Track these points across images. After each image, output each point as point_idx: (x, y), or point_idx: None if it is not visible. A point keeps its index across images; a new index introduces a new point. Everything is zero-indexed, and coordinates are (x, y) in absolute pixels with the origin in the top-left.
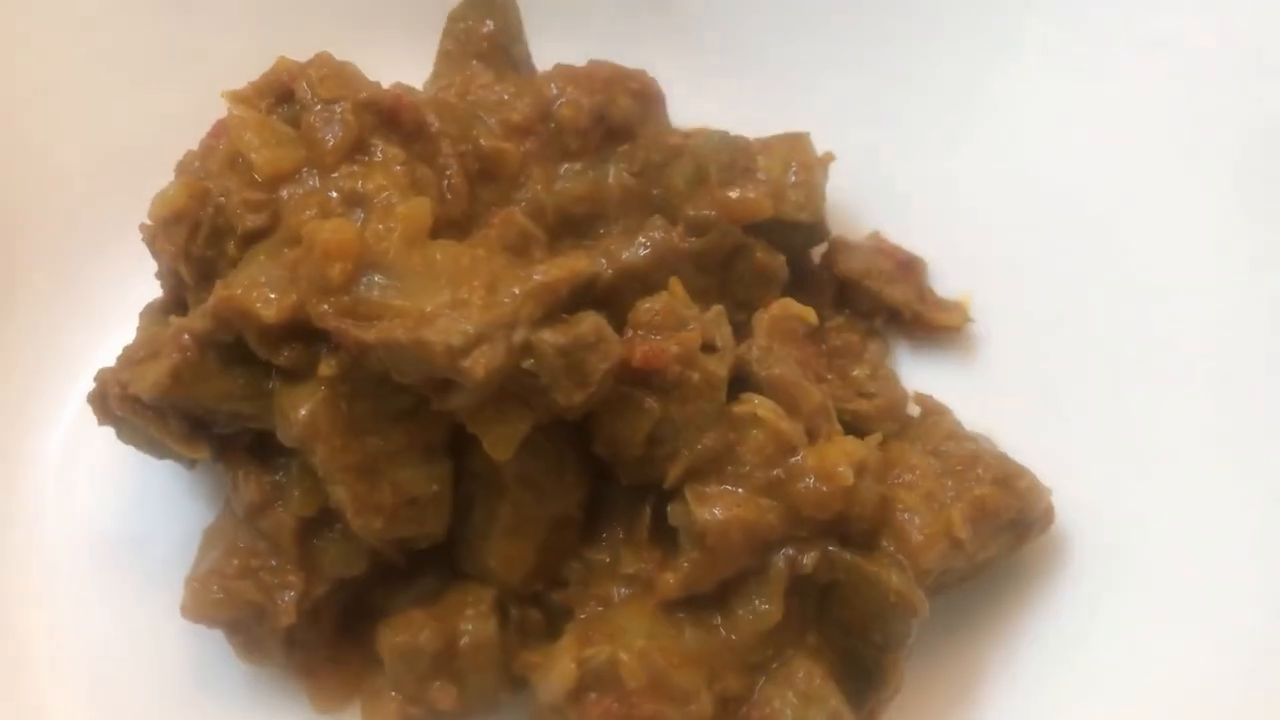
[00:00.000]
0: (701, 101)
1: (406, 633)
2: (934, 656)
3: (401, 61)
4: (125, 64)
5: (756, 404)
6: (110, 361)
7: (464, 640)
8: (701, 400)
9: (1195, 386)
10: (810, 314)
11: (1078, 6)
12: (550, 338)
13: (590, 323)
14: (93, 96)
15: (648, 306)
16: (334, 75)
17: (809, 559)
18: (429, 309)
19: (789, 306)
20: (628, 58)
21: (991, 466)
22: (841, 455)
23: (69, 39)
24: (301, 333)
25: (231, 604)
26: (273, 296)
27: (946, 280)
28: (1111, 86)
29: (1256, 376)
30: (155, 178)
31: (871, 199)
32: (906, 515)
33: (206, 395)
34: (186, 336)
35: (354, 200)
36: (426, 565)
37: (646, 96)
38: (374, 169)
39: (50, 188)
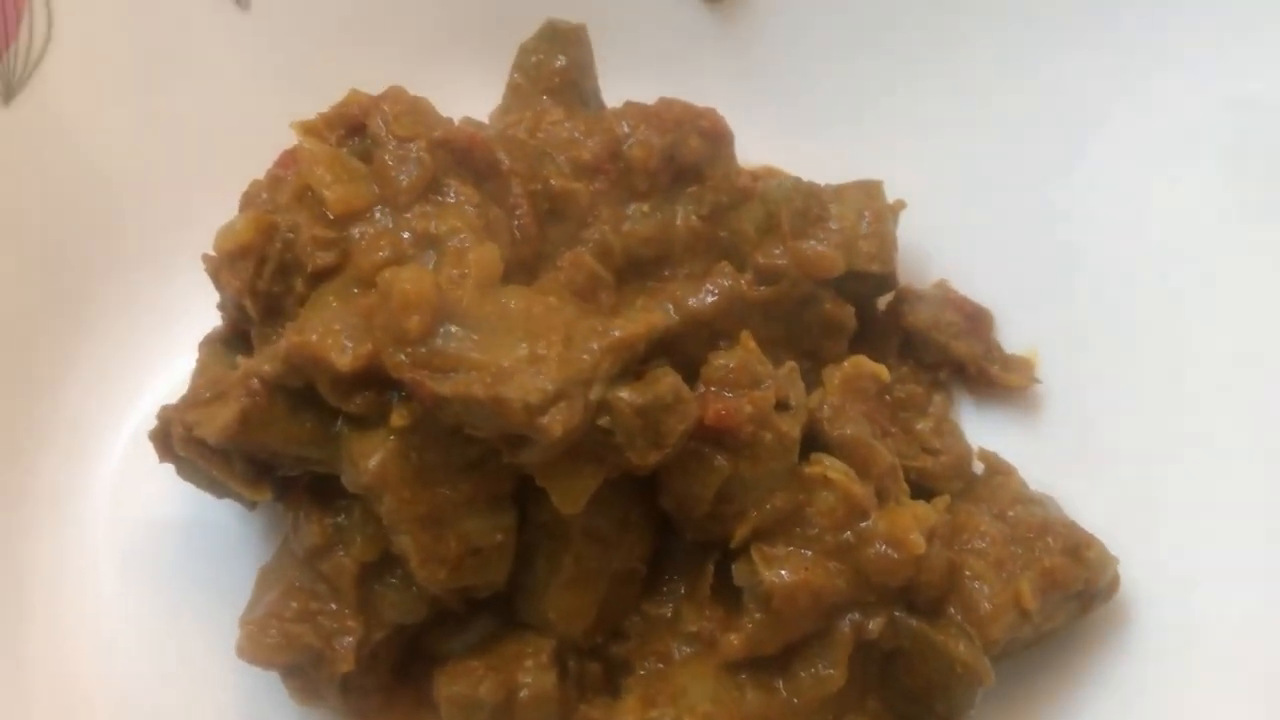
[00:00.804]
0: (769, 142)
1: (465, 683)
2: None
3: (468, 91)
4: (186, 88)
5: (827, 465)
6: (168, 389)
7: (523, 692)
8: (773, 460)
9: (1264, 457)
10: (883, 372)
11: (1155, 64)
12: (628, 397)
13: (668, 383)
14: (154, 121)
15: (721, 363)
16: (409, 111)
17: (875, 625)
18: (506, 364)
19: (862, 365)
20: (695, 94)
21: (1061, 535)
22: (913, 521)
23: (128, 60)
24: (373, 381)
25: (289, 648)
26: (348, 345)
27: (1013, 332)
28: (1190, 145)
29: None
30: (215, 204)
31: (940, 245)
32: (975, 584)
33: (273, 440)
34: (255, 381)
35: (426, 242)
36: (482, 610)
37: (716, 136)
38: (447, 210)
39: (108, 214)
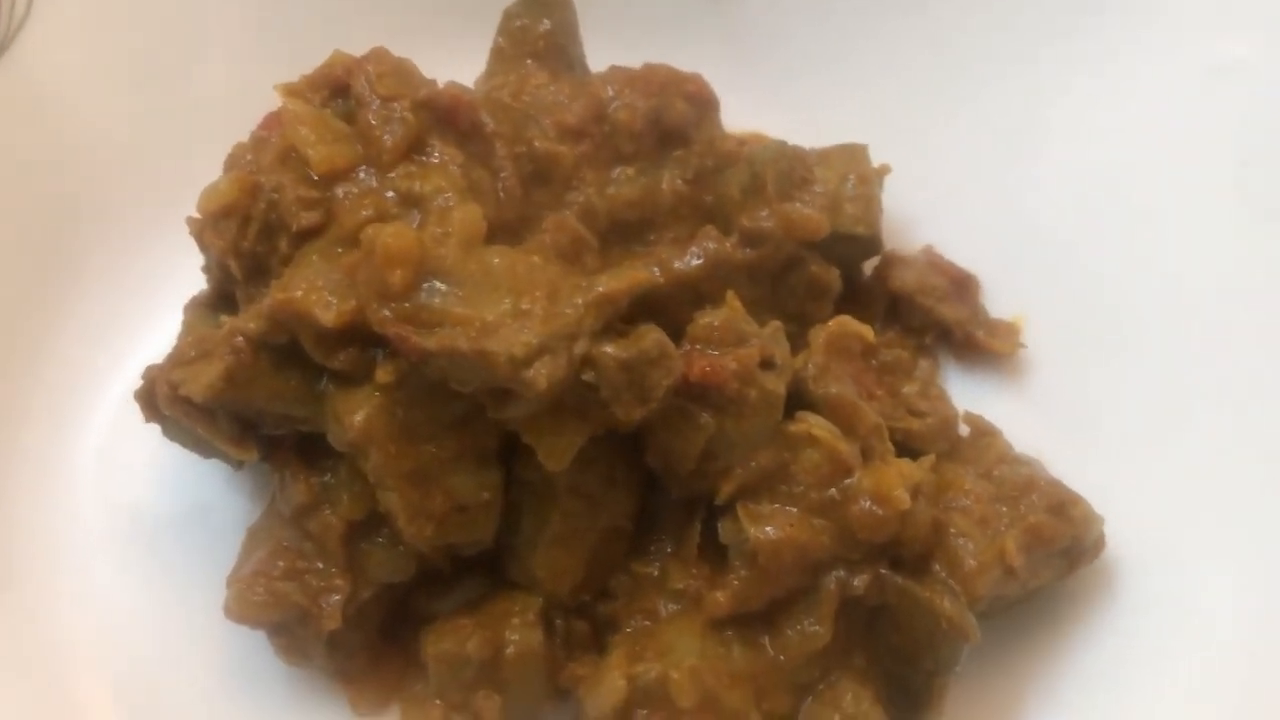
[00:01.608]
0: (754, 108)
1: (452, 640)
2: (976, 680)
3: (452, 54)
4: (170, 51)
5: (812, 423)
6: (153, 353)
7: (509, 650)
8: (758, 418)
9: (1250, 418)
10: (868, 332)
11: (1139, 30)
12: (613, 351)
13: (653, 338)
14: (136, 84)
15: (707, 321)
16: (392, 72)
17: (860, 581)
18: (491, 318)
19: (847, 324)
20: (681, 61)
21: (1046, 493)
22: (898, 478)
23: (113, 26)
24: (358, 337)
25: (276, 606)
26: (332, 301)
27: (999, 298)
28: (1174, 111)
29: None
30: (200, 168)
31: (926, 211)
32: (960, 540)
33: (258, 397)
34: (240, 338)
35: (410, 201)
36: (469, 570)
37: (702, 100)
38: (431, 170)
39: (93, 179)
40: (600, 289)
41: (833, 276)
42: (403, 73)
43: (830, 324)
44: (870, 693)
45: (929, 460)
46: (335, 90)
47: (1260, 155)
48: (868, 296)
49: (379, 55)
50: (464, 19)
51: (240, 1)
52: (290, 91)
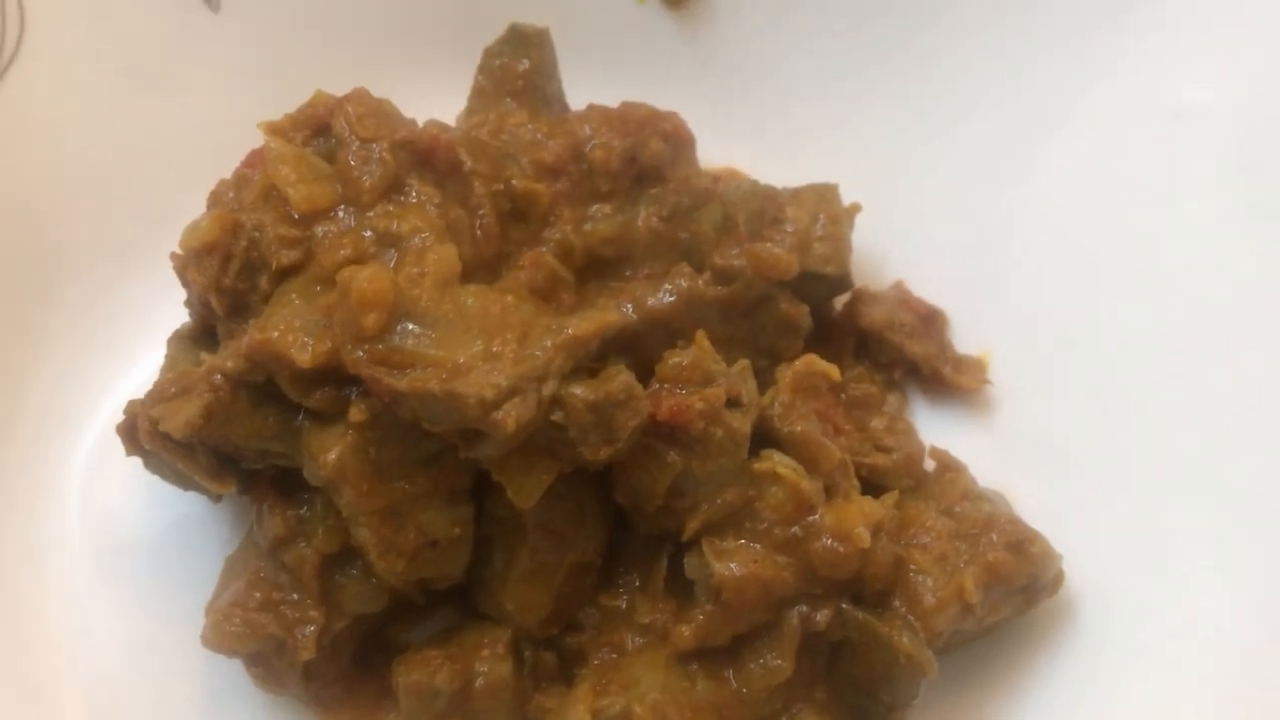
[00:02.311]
0: (729, 144)
1: (422, 671)
2: (936, 713)
3: (435, 92)
4: (156, 88)
5: (777, 461)
6: (137, 385)
7: (479, 681)
8: (724, 456)
9: (1210, 457)
10: (834, 371)
11: (1105, 75)
12: (581, 393)
13: (621, 380)
14: (121, 120)
15: (675, 361)
16: (372, 113)
17: (822, 617)
18: (462, 360)
19: (813, 363)
20: (658, 99)
21: (1005, 531)
22: (859, 516)
23: (100, 61)
24: (333, 377)
25: (252, 637)
26: (308, 341)
27: (966, 333)
28: (1139, 152)
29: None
30: (182, 203)
31: (896, 248)
32: (919, 577)
33: (237, 434)
34: (219, 376)
35: (388, 240)
36: (441, 601)
37: (678, 139)
38: (409, 210)
39: (77, 212)
40: (570, 331)
41: (802, 313)
42: (382, 113)
43: (796, 363)
44: None
45: (891, 498)
46: (317, 129)
47: (1223, 194)
48: (838, 332)
49: (359, 96)
50: (450, 54)
51: (225, 39)
52: (272, 130)
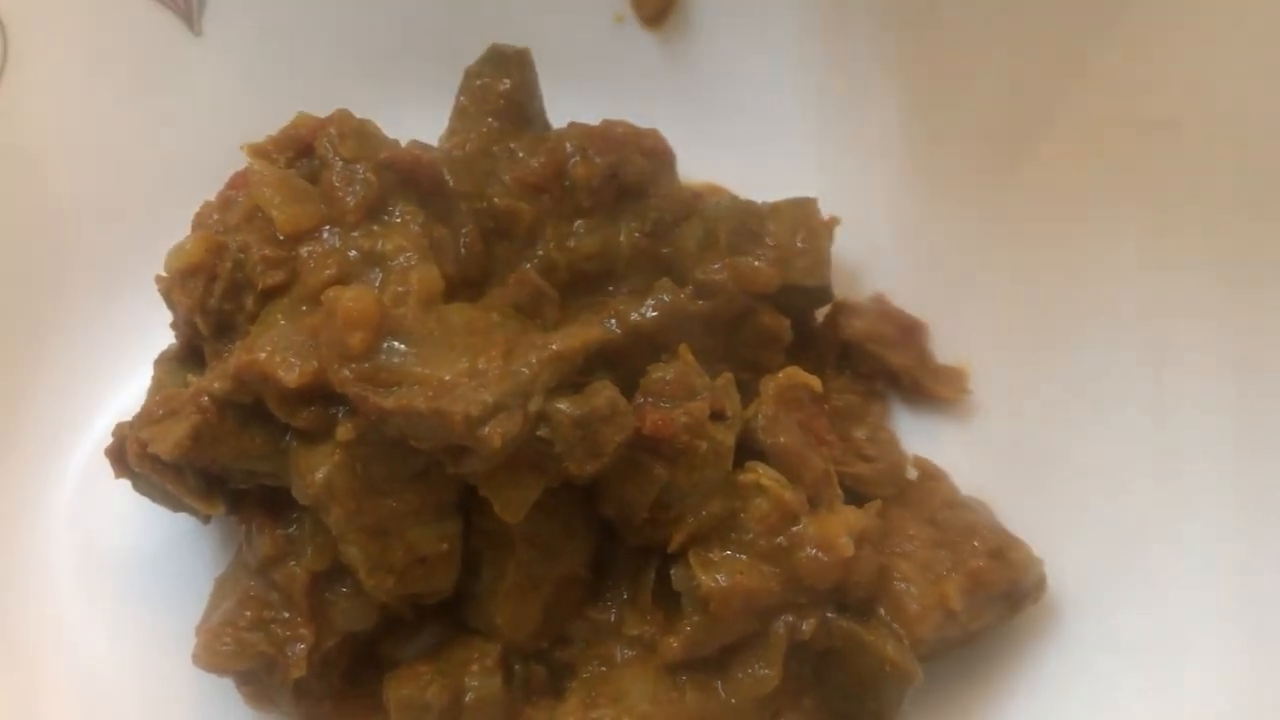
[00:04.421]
0: (710, 159)
1: (413, 686)
2: (924, 718)
3: (417, 113)
4: (139, 112)
5: (761, 473)
6: (125, 407)
7: (469, 696)
8: (708, 468)
9: (1190, 461)
10: (816, 383)
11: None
12: (566, 409)
13: (606, 395)
14: (106, 144)
15: (659, 375)
16: (355, 134)
17: (808, 626)
18: (448, 377)
19: (795, 375)
20: (638, 116)
21: (987, 538)
22: (842, 526)
23: (82, 85)
24: (319, 396)
25: (243, 655)
26: (294, 362)
27: (946, 344)
28: (1109, 165)
29: (1259, 460)
30: (169, 226)
31: (875, 260)
32: (903, 585)
33: (225, 454)
34: (206, 398)
35: (372, 260)
36: (432, 616)
37: (659, 155)
38: (393, 230)
39: (65, 236)
40: (554, 347)
41: (784, 326)
42: (365, 134)
43: (779, 375)
44: None
45: (875, 507)
46: (300, 151)
47: (1204, 204)
48: (820, 343)
49: (341, 117)
50: (431, 75)
51: (207, 62)
52: (256, 152)
